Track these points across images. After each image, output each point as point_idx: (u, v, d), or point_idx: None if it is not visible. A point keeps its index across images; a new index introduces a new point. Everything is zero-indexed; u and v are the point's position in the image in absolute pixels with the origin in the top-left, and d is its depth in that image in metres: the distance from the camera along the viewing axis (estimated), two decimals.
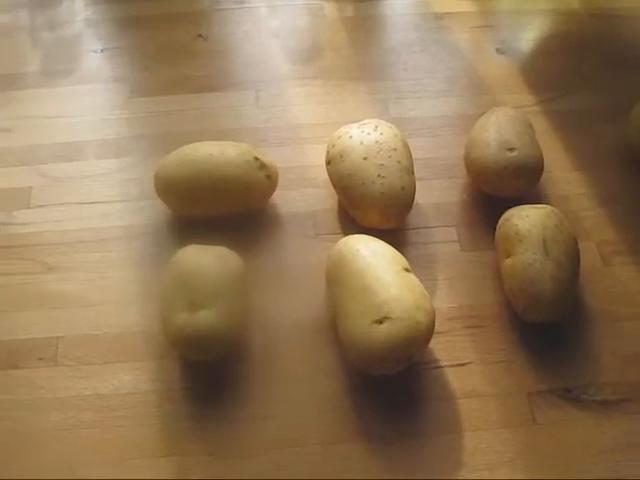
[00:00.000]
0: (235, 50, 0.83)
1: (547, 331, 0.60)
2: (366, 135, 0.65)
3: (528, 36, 0.88)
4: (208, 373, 0.58)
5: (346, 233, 0.65)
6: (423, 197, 0.70)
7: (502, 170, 0.65)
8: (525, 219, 0.61)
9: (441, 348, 0.60)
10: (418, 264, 0.65)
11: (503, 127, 0.67)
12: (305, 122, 0.76)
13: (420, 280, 0.62)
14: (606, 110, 0.78)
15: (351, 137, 0.65)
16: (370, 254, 0.58)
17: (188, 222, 0.67)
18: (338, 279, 0.58)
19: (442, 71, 0.82)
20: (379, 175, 0.63)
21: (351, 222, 0.67)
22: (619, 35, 0.88)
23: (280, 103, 0.77)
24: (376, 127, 0.66)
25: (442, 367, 0.59)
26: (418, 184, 0.69)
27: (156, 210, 0.68)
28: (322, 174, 0.68)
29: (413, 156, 0.69)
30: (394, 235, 0.66)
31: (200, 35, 0.84)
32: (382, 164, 0.63)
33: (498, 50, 0.85)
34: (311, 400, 0.57)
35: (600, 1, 0.93)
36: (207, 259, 0.58)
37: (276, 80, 0.80)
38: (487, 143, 0.66)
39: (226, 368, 0.58)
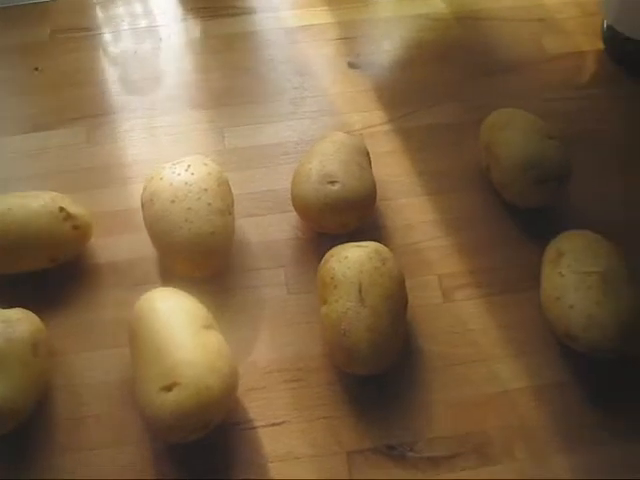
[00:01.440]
0: (71, 83, 0.77)
1: (373, 382, 0.55)
2: (176, 176, 0.59)
3: (387, 46, 0.80)
4: (7, 443, 0.53)
5: (165, 283, 0.61)
6: (254, 235, 0.65)
7: (323, 206, 0.59)
8: (343, 262, 0.55)
9: (256, 406, 0.55)
10: (244, 311, 0.60)
11: (328, 157, 0.61)
12: (137, 159, 0.70)
13: (242, 329, 0.59)
14: (467, 123, 0.71)
15: (162, 179, 0.60)
16: (167, 311, 0.53)
17: None
18: (136, 338, 0.53)
19: (288, 92, 0.75)
20: (186, 220, 0.57)
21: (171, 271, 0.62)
22: (486, 39, 0.81)
23: (112, 140, 0.72)
24: (188, 166, 0.60)
25: (256, 428, 0.54)
26: (250, 221, 0.65)
27: None
28: None
29: (246, 190, 0.65)
30: (219, 281, 0.61)
31: (36, 68, 0.78)
32: (190, 207, 0.58)
33: (350, 64, 0.78)
34: (113, 469, 0.52)
35: (471, 4, 0.85)
36: None
37: (111, 114, 0.74)
38: (308, 176, 0.60)
39: (27, 437, 0.54)
